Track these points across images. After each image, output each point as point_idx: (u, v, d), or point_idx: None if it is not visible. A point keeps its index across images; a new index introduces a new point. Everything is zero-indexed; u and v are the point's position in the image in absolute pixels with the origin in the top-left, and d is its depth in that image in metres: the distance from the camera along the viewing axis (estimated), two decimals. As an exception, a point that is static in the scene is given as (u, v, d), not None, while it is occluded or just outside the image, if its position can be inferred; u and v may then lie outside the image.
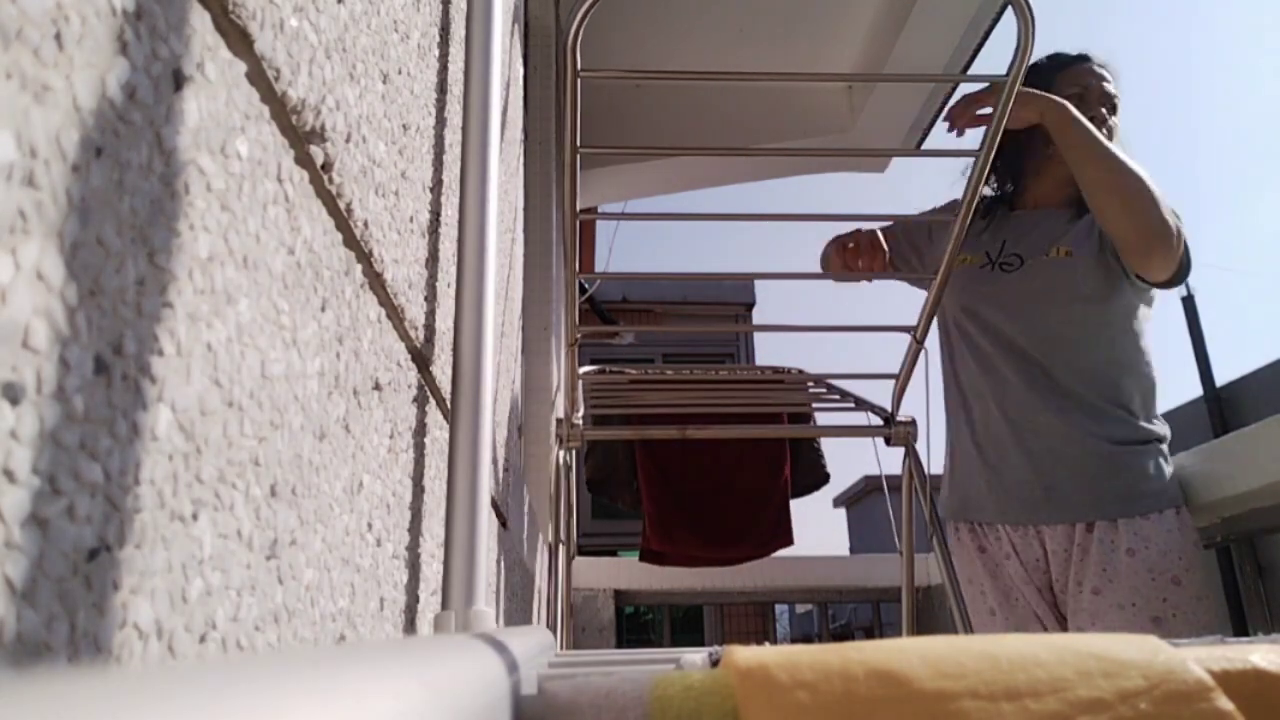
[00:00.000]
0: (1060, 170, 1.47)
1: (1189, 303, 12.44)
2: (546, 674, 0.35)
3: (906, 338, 1.18)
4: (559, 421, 1.33)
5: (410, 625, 0.55)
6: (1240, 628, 1.73)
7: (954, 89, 2.66)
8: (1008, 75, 0.80)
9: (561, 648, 1.30)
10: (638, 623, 9.48)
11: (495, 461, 0.96)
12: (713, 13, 2.38)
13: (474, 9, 0.66)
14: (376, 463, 0.48)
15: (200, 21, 0.29)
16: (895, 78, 1.15)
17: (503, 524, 1.07)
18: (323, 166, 0.39)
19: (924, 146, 2.74)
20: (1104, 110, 1.49)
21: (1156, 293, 1.47)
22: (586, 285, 4.31)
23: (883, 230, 1.54)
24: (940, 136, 2.91)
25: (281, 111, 0.35)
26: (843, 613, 15.78)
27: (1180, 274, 1.38)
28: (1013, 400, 1.45)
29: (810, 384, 1.50)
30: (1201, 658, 0.31)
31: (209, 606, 0.28)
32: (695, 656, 0.38)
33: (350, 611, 0.43)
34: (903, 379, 1.27)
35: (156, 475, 0.25)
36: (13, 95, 0.20)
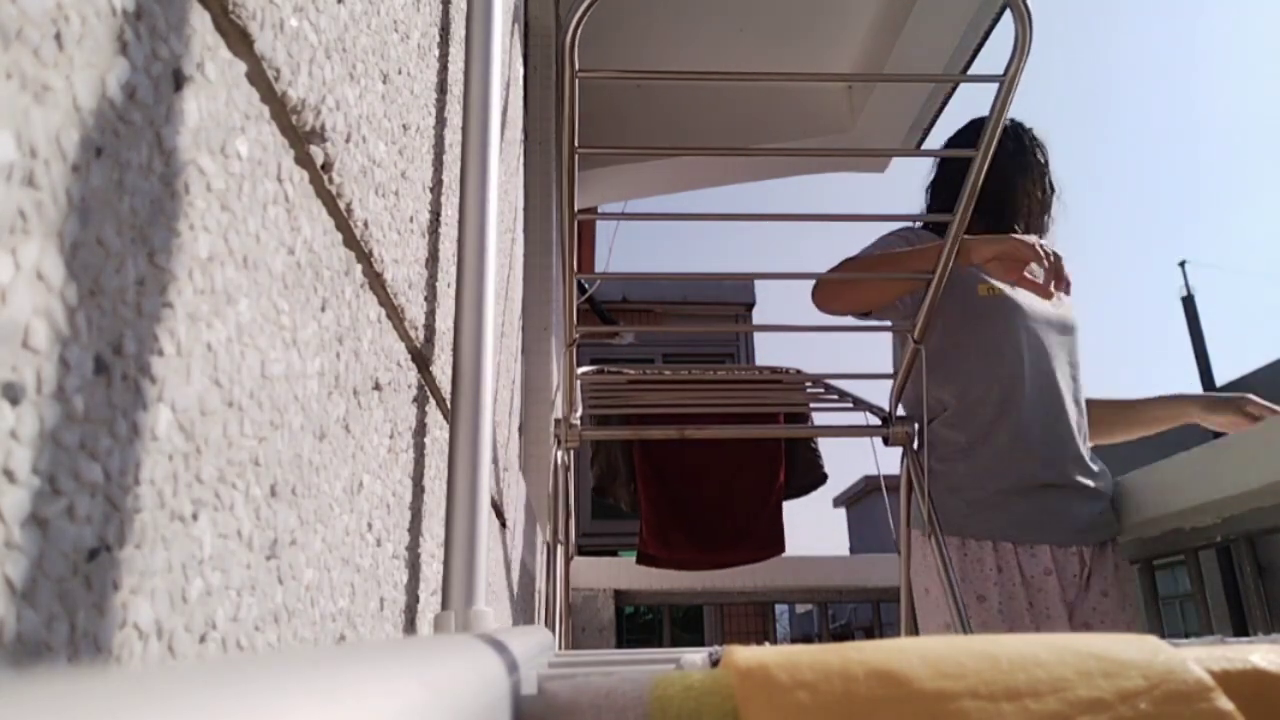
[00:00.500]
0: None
1: (1189, 303, 12.44)
2: (546, 674, 0.35)
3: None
4: (557, 422, 1.33)
5: (410, 625, 0.55)
6: (1240, 628, 1.73)
7: (954, 89, 2.66)
8: (1005, 75, 0.80)
9: (561, 648, 1.30)
10: (638, 623, 9.48)
11: (495, 461, 0.96)
12: (713, 12, 2.38)
13: (474, 9, 0.66)
14: (376, 463, 0.48)
15: (200, 21, 0.29)
16: (895, 78, 1.16)
17: (502, 524, 1.07)
18: (323, 166, 0.39)
19: (924, 146, 2.74)
20: (1046, 219, 1.65)
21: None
22: (586, 285, 4.31)
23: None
24: (940, 136, 2.91)
25: (281, 111, 0.35)
26: (843, 613, 15.79)
27: None
28: (1062, 423, 1.54)
29: (809, 384, 1.50)
30: (1201, 658, 0.31)
31: (209, 606, 0.28)
32: (695, 656, 0.38)
33: (350, 611, 0.43)
34: (901, 379, 1.27)
35: (156, 475, 0.25)
36: (13, 95, 0.20)
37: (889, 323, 1.66)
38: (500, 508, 1.04)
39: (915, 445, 1.32)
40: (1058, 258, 1.31)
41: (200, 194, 0.28)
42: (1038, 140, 1.63)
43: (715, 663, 0.35)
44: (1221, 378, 11.02)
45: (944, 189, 1.59)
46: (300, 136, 0.37)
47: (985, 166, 0.90)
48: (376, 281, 0.48)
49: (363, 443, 0.46)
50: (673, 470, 1.85)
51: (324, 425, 0.40)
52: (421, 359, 0.59)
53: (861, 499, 17.79)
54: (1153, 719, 0.28)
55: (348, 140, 0.43)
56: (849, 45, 2.53)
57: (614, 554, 3.73)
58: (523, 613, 1.36)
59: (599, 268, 3.90)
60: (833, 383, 1.46)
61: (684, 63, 2.54)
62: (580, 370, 1.39)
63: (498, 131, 0.64)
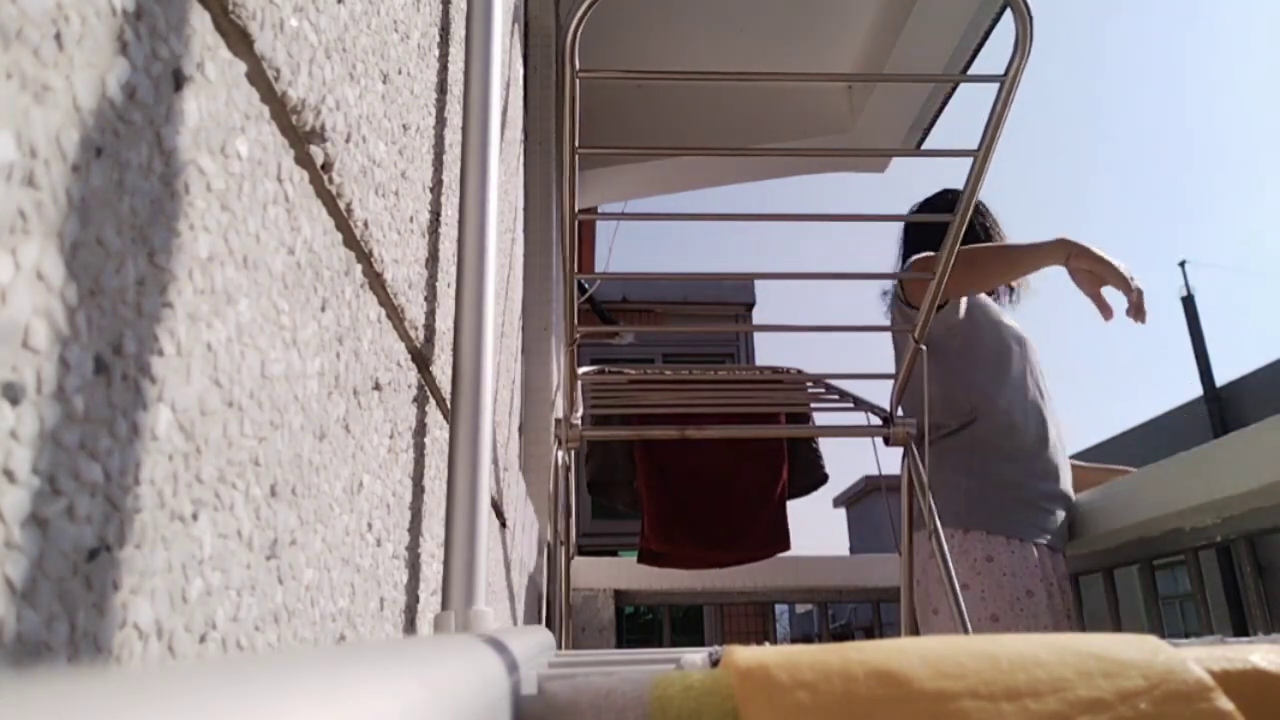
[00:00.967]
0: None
1: (1189, 303, 12.44)
2: (546, 674, 0.35)
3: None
4: (558, 422, 1.33)
5: (410, 625, 0.55)
6: (1240, 628, 1.74)
7: (954, 89, 2.66)
8: (1006, 75, 0.80)
9: (561, 648, 1.30)
10: (638, 623, 9.48)
11: (495, 461, 0.96)
12: (713, 13, 2.38)
13: (474, 9, 0.66)
14: (376, 463, 0.48)
15: (200, 21, 0.29)
16: (895, 78, 1.16)
17: (502, 524, 1.07)
18: (323, 166, 0.39)
19: (924, 146, 2.74)
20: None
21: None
22: (586, 285, 4.31)
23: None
24: (940, 136, 2.91)
25: (281, 111, 0.35)
26: (843, 613, 15.78)
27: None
28: (1052, 439, 1.69)
29: (809, 384, 1.50)
30: (1201, 658, 0.31)
31: (209, 606, 0.28)
32: (695, 656, 0.38)
33: (350, 611, 0.43)
34: (902, 379, 1.27)
35: (156, 475, 0.25)
36: (13, 95, 0.20)
37: (889, 323, 1.68)
38: (500, 508, 1.04)
39: (916, 445, 1.32)
40: (1140, 293, 1.44)
41: (200, 194, 0.28)
42: (980, 208, 1.84)
43: (715, 663, 0.35)
44: (1221, 378, 11.02)
45: (914, 251, 1.80)
46: (300, 136, 0.37)
47: (985, 169, 0.90)
48: (376, 281, 0.48)
49: (363, 443, 0.46)
50: (675, 469, 1.85)
51: (324, 425, 0.40)
52: (421, 359, 0.59)
53: (861, 499, 17.79)
54: (1153, 719, 0.28)
55: (348, 140, 0.43)
56: (849, 45, 2.53)
57: (614, 554, 3.72)
58: (523, 613, 1.36)
59: (599, 268, 3.90)
60: (833, 383, 1.46)
61: (684, 63, 2.54)
62: (581, 370, 1.39)
63: (498, 131, 0.64)
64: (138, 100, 0.25)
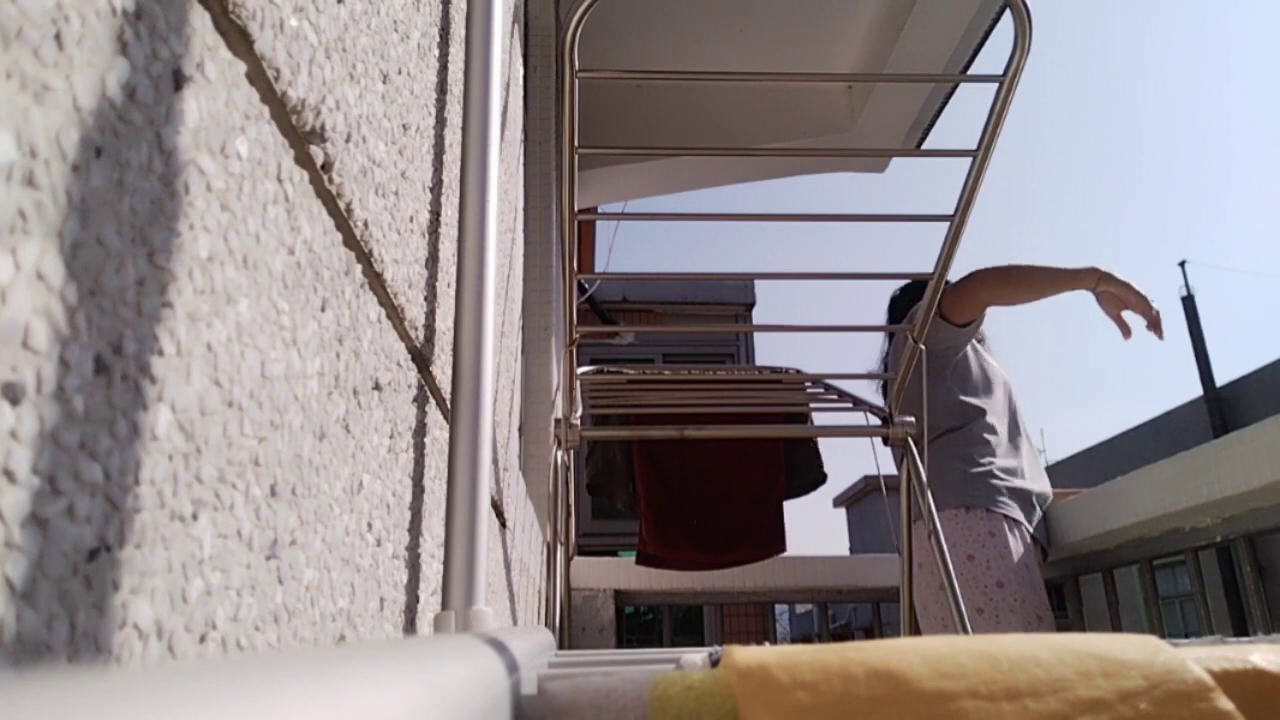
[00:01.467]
0: None
1: (1189, 303, 12.44)
2: (546, 674, 0.35)
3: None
4: (557, 422, 1.33)
5: (410, 625, 0.55)
6: (1240, 628, 1.74)
7: (954, 89, 2.66)
8: (1005, 75, 0.80)
9: (561, 648, 1.29)
10: (638, 623, 9.48)
11: (495, 461, 0.96)
12: (713, 13, 2.38)
13: (474, 9, 0.66)
14: (376, 463, 0.48)
15: (200, 21, 0.29)
16: (895, 78, 1.16)
17: (502, 524, 1.07)
18: (323, 166, 0.39)
19: (924, 146, 2.74)
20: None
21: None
22: (586, 285, 4.31)
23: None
24: (940, 136, 2.91)
25: (281, 111, 0.35)
26: (843, 613, 15.78)
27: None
28: (1025, 437, 1.87)
29: (809, 384, 1.50)
30: (1201, 658, 0.31)
31: (209, 606, 0.28)
32: (695, 656, 0.38)
33: (350, 611, 0.43)
34: (901, 379, 1.27)
35: (156, 475, 0.25)
36: (13, 95, 0.20)
37: (888, 323, 1.70)
38: (500, 508, 1.04)
39: (915, 445, 1.32)
40: (1159, 314, 1.62)
41: (200, 194, 0.28)
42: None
43: (715, 663, 0.35)
44: (1221, 378, 11.02)
45: (904, 306, 1.97)
46: (300, 136, 0.37)
47: (985, 166, 0.90)
48: (376, 281, 0.48)
49: (363, 443, 0.46)
50: (673, 470, 1.85)
51: (324, 425, 0.40)
52: (421, 359, 0.59)
53: (861, 499, 17.79)
54: (1153, 719, 0.28)
55: (348, 140, 0.43)
56: (849, 45, 2.53)
57: (614, 554, 3.72)
58: (523, 613, 1.36)
59: (599, 268, 3.90)
60: (833, 383, 1.46)
61: (684, 63, 2.54)
62: (580, 370, 1.39)
63: (498, 131, 0.64)
64: (138, 100, 0.25)
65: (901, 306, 2.01)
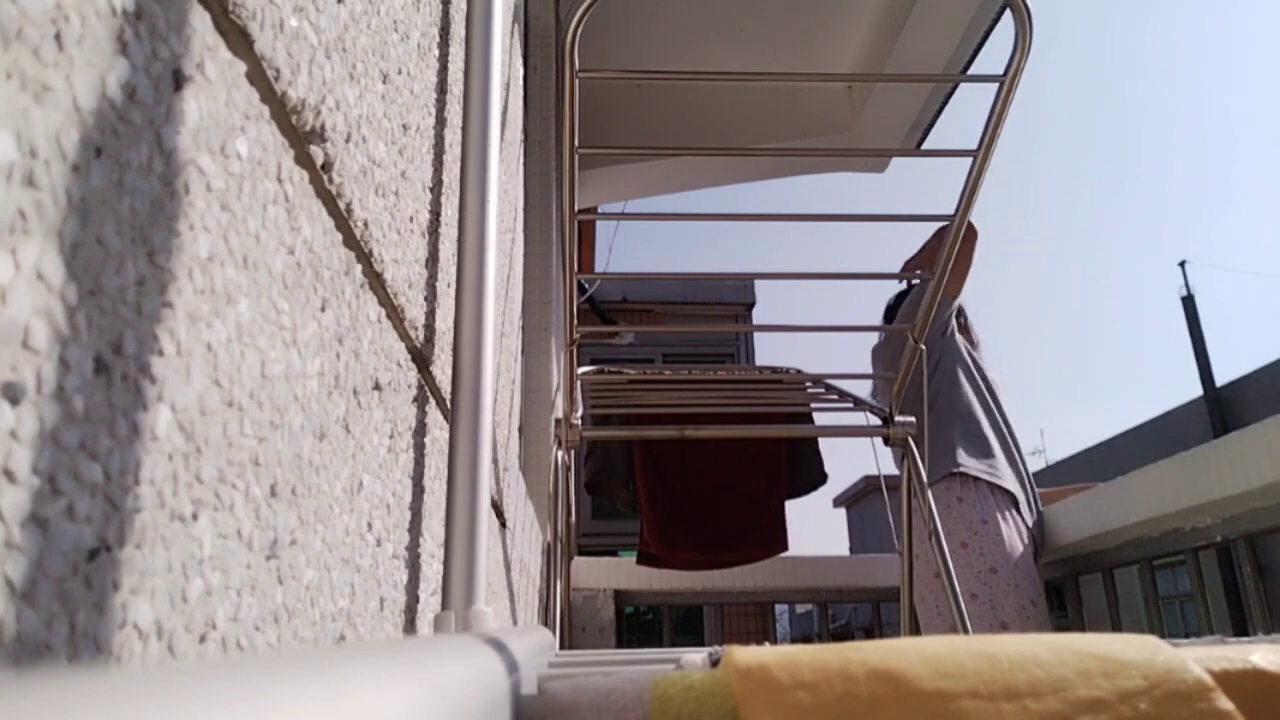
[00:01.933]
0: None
1: (1189, 303, 12.44)
2: (546, 674, 0.35)
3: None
4: (557, 422, 1.33)
5: (410, 625, 0.55)
6: (1240, 628, 1.74)
7: (954, 89, 2.66)
8: (1005, 75, 0.80)
9: (561, 648, 1.30)
10: (638, 623, 9.47)
11: (495, 461, 0.96)
12: (713, 13, 2.38)
13: (474, 9, 0.66)
14: (376, 463, 0.48)
15: (200, 21, 0.29)
16: (895, 78, 1.15)
17: (502, 524, 1.07)
18: (323, 166, 0.39)
19: (924, 146, 2.74)
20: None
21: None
22: (586, 285, 4.31)
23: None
24: (940, 136, 2.91)
25: (281, 111, 0.35)
26: (843, 613, 15.78)
27: None
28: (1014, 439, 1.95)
29: (809, 384, 1.50)
30: (1201, 658, 0.31)
31: (209, 606, 0.28)
32: (695, 656, 0.38)
33: (350, 611, 0.43)
34: (901, 379, 1.27)
35: (156, 475, 0.25)
36: (13, 95, 0.20)
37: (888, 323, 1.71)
38: (500, 508, 1.04)
39: (915, 445, 1.32)
40: None
41: (200, 194, 0.28)
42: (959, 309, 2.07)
43: (715, 663, 0.35)
44: (1221, 378, 11.02)
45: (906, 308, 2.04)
46: (300, 136, 0.37)
47: (985, 168, 0.90)
48: (376, 281, 0.48)
49: (363, 443, 0.46)
50: (674, 470, 1.85)
51: (324, 425, 0.40)
52: (421, 359, 0.59)
53: (861, 499, 17.79)
54: (1153, 719, 0.28)
55: (348, 140, 0.43)
56: (849, 45, 2.53)
57: (614, 554, 3.72)
58: (523, 613, 1.36)
59: (599, 268, 3.90)
60: (833, 383, 1.46)
61: (684, 63, 2.54)
62: (580, 370, 1.39)
63: (498, 131, 0.64)
64: (138, 100, 0.25)
65: (896, 313, 2.06)
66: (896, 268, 1.91)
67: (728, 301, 10.58)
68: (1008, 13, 0.76)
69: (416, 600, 0.56)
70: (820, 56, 2.57)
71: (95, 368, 0.22)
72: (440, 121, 0.66)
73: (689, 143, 2.63)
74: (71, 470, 0.21)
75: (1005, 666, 0.29)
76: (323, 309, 0.39)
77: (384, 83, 0.50)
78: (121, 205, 0.24)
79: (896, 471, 1.49)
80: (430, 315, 0.61)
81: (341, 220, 0.42)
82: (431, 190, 0.63)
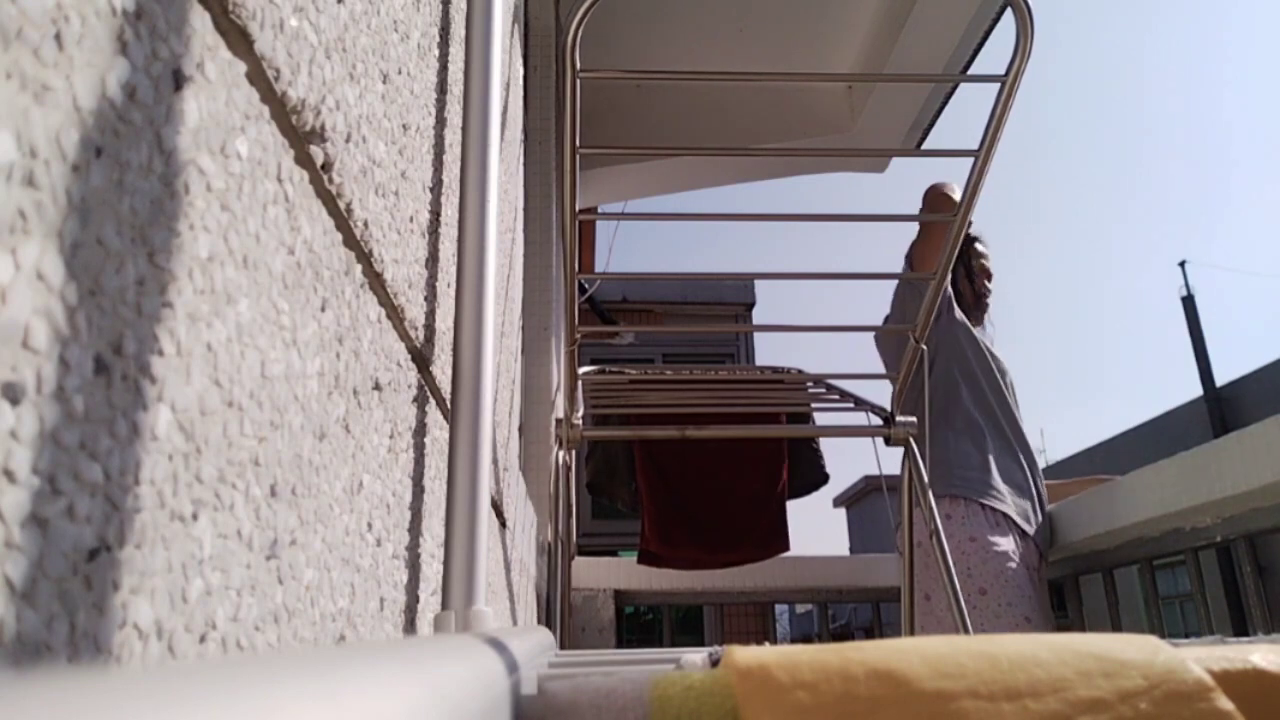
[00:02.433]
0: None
1: (1189, 303, 12.44)
2: (546, 674, 0.35)
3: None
4: (558, 422, 1.33)
5: (410, 625, 0.55)
6: (1240, 628, 1.74)
7: (954, 89, 2.66)
8: (1007, 75, 0.80)
9: (561, 648, 1.29)
10: (638, 623, 9.47)
11: (495, 461, 0.96)
12: (713, 13, 2.38)
13: (474, 9, 0.66)
14: (376, 463, 0.48)
15: (200, 21, 0.29)
16: (895, 78, 1.15)
17: (502, 524, 1.07)
18: (323, 166, 0.39)
19: (924, 146, 2.74)
20: (986, 282, 2.02)
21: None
22: (586, 285, 4.31)
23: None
24: (940, 136, 2.91)
25: (281, 111, 0.35)
26: (843, 613, 15.78)
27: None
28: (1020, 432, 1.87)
29: (810, 384, 1.50)
30: (1201, 658, 0.31)
31: (209, 606, 0.28)
32: (695, 656, 0.38)
33: (350, 611, 0.43)
34: (902, 379, 1.27)
35: (156, 475, 0.25)
36: (13, 95, 0.20)
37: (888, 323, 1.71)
38: (500, 508, 1.04)
39: (916, 445, 1.32)
40: None
41: (200, 194, 0.28)
42: (972, 238, 1.99)
43: (715, 663, 0.35)
44: (1221, 378, 11.02)
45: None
46: (300, 136, 0.37)
47: (986, 169, 0.90)
48: (376, 281, 0.48)
49: (363, 443, 0.46)
50: (675, 470, 1.85)
51: (324, 425, 0.40)
52: (421, 359, 0.59)
53: (861, 499, 17.79)
54: (1153, 719, 0.28)
55: (348, 140, 0.43)
56: (849, 45, 2.53)
57: (614, 554, 3.72)
58: (523, 613, 1.36)
59: (599, 268, 3.90)
60: (834, 383, 1.46)
61: (684, 63, 2.54)
62: (581, 370, 1.39)
63: (498, 131, 0.64)
64: (138, 100, 0.25)
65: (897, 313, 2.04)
66: (896, 268, 1.90)
67: (728, 301, 10.57)
68: (1008, 13, 0.76)
69: (416, 600, 0.56)
70: (820, 56, 2.57)
71: (95, 368, 0.22)
72: (440, 121, 0.66)
73: (689, 143, 2.63)
74: (71, 470, 0.21)
75: (1005, 666, 0.29)
76: (323, 309, 0.39)
77: (384, 83, 0.50)
78: (121, 205, 0.24)
79: (897, 471, 1.49)
80: (430, 315, 0.61)
81: (341, 220, 0.42)
82: (431, 190, 0.63)
